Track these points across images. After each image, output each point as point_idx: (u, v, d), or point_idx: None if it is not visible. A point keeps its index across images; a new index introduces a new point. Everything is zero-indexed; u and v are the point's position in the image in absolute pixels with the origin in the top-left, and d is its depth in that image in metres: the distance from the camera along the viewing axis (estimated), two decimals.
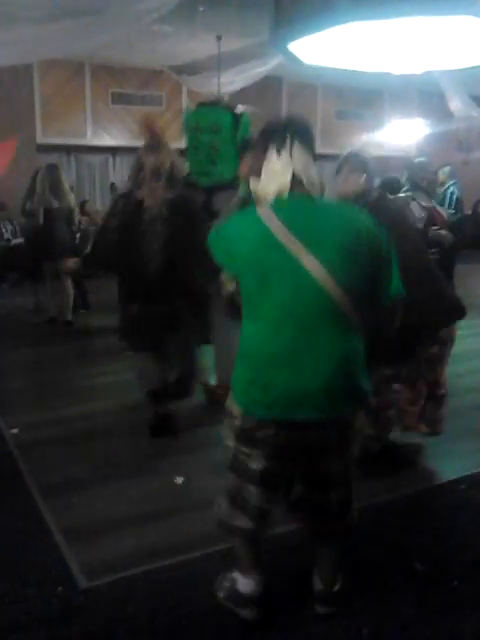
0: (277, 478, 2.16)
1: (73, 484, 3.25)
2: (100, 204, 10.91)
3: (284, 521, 2.46)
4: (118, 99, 10.58)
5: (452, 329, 3.48)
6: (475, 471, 3.47)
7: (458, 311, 3.33)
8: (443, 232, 4.46)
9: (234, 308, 2.17)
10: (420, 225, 4.31)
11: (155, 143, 3.59)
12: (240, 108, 4.11)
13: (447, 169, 8.03)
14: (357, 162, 3.37)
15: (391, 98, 12.65)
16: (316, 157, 2.13)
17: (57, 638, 2.20)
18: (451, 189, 7.77)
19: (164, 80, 10.33)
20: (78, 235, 6.83)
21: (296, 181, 2.03)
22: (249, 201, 2.32)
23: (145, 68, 10.37)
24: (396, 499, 3.16)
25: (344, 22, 3.49)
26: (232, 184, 3.90)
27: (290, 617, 2.32)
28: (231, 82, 8.93)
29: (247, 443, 2.09)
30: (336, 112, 12.53)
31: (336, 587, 2.33)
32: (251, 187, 2.12)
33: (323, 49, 3.91)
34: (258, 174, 2.07)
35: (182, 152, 4.15)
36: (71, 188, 8.40)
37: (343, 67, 4.31)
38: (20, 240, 8.36)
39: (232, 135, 3.97)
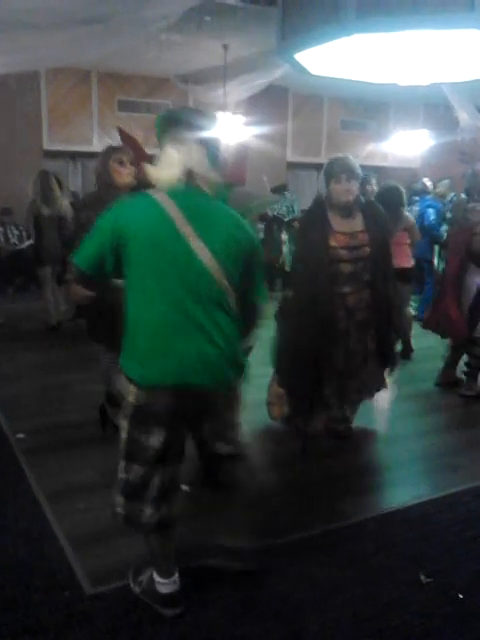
0: (175, 449, 2.26)
1: (79, 489, 3.26)
2: None
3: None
4: (124, 107, 10.64)
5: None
6: None
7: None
8: None
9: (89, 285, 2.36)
10: None
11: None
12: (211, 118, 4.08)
13: (446, 182, 8.06)
14: (353, 170, 3.65)
15: (396, 109, 12.69)
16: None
17: None
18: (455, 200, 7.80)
19: (170, 88, 10.39)
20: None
21: (190, 174, 2.23)
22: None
23: (151, 76, 10.44)
24: (402, 510, 3.17)
25: (350, 34, 3.52)
26: None
27: (290, 627, 2.32)
28: (237, 92, 8.98)
29: (144, 420, 2.20)
30: (342, 122, 12.56)
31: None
32: (148, 172, 2.29)
33: (330, 60, 3.94)
34: (157, 162, 2.27)
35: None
36: (75, 194, 8.46)
37: (350, 78, 4.34)
38: (26, 243, 8.43)
39: None
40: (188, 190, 2.24)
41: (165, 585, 2.37)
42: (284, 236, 8.68)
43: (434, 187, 8.34)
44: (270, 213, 9.30)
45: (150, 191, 2.25)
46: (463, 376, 4.89)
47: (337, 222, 3.69)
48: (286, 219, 10.02)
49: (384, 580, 2.60)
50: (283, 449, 3.89)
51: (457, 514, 3.15)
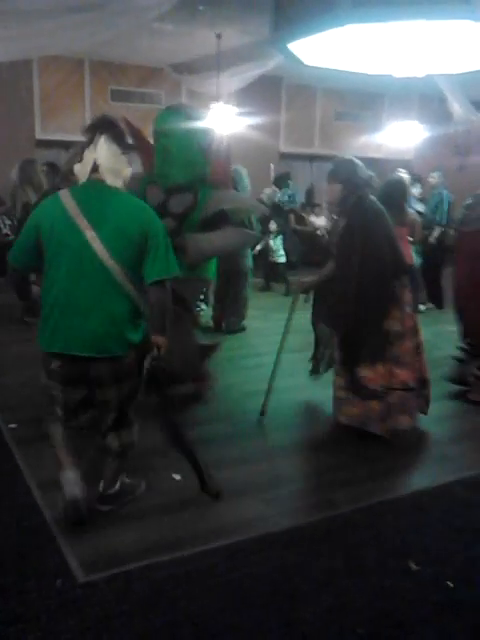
0: (70, 403, 2.81)
1: None
2: None
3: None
4: (117, 96, 10.55)
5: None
6: (473, 473, 3.50)
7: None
8: None
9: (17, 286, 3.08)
10: None
11: None
12: (200, 116, 4.08)
13: (437, 173, 7.99)
14: (335, 174, 3.83)
15: (391, 101, 12.67)
16: (126, 149, 2.74)
17: (55, 632, 2.21)
18: (445, 193, 7.79)
19: (163, 78, 10.32)
20: None
21: (96, 169, 2.64)
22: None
23: (145, 65, 10.37)
24: (393, 500, 3.20)
25: (344, 24, 3.51)
26: (187, 187, 3.90)
27: (283, 616, 2.34)
28: (230, 82, 8.93)
29: (48, 376, 2.79)
30: (335, 113, 12.53)
31: (113, 490, 2.94)
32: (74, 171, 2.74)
33: (324, 50, 3.93)
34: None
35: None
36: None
37: (344, 69, 4.33)
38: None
39: (187, 141, 3.90)
40: (89, 184, 2.68)
41: (68, 481, 2.82)
42: (272, 226, 8.44)
43: (418, 180, 8.18)
44: (266, 200, 9.17)
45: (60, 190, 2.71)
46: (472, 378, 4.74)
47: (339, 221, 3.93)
48: (286, 208, 9.94)
49: (375, 569, 2.62)
50: (277, 439, 3.91)
51: (447, 504, 3.17)
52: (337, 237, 3.85)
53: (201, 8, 6.80)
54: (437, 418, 4.21)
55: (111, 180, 2.68)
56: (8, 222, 8.75)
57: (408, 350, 3.84)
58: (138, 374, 2.81)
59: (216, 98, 8.78)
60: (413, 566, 2.62)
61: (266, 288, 8.66)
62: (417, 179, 8.11)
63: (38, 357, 2.84)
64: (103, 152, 2.66)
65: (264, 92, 10.52)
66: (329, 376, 4.22)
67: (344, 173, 3.78)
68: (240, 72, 8.70)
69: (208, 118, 4.33)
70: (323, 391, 4.24)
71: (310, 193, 12.36)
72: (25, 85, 9.74)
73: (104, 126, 2.71)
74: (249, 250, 4.40)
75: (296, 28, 3.81)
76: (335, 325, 3.92)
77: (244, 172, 6.46)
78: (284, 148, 12.19)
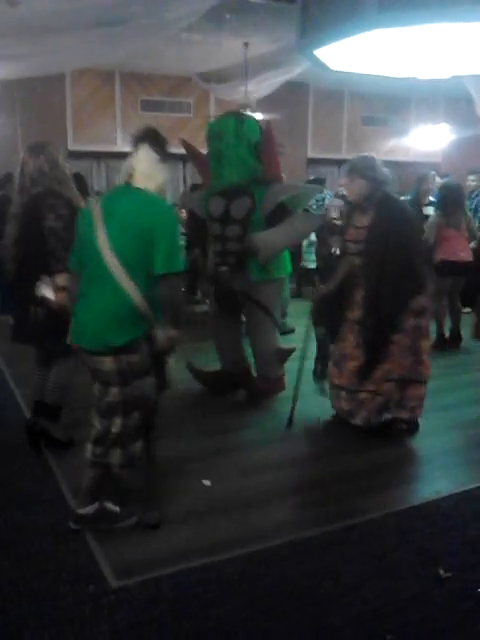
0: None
1: None
2: None
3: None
4: (147, 106, 10.69)
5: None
6: None
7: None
8: None
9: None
10: None
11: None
12: (247, 114, 4.25)
13: (474, 176, 7.96)
14: (357, 170, 3.81)
15: (417, 104, 12.58)
16: (165, 158, 2.81)
17: (88, 637, 2.24)
18: None
19: (192, 87, 10.41)
20: None
21: (131, 176, 2.74)
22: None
23: (173, 75, 10.48)
24: (423, 505, 3.17)
25: (371, 29, 3.50)
26: (243, 190, 4.04)
27: (313, 622, 2.34)
28: (258, 89, 8.98)
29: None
30: (362, 118, 12.48)
31: (85, 511, 2.83)
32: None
33: (350, 55, 3.93)
34: None
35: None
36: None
37: (370, 73, 4.32)
38: None
39: (236, 140, 4.09)
40: (118, 188, 2.82)
41: None
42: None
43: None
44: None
45: None
46: None
47: (356, 217, 3.91)
48: (315, 214, 9.88)
49: (405, 575, 2.60)
50: (304, 445, 3.91)
51: (476, 510, 3.13)
52: (365, 233, 3.79)
53: (228, 17, 6.86)
54: (463, 423, 4.17)
55: (143, 183, 2.73)
56: None
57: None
58: (150, 375, 2.78)
59: (244, 106, 8.83)
60: (443, 573, 2.59)
61: (297, 294, 8.65)
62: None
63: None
64: (142, 158, 2.75)
65: (291, 98, 10.54)
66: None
67: (367, 169, 3.78)
68: (267, 79, 8.75)
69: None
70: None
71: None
72: (58, 98, 9.93)
73: (146, 135, 2.80)
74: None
75: (322, 34, 3.81)
76: (364, 320, 3.85)
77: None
78: (312, 154, 12.18)
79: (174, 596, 2.45)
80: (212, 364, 4.79)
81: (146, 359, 2.74)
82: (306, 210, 9.36)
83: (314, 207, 10.08)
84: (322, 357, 4.24)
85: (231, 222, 4.09)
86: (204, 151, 4.48)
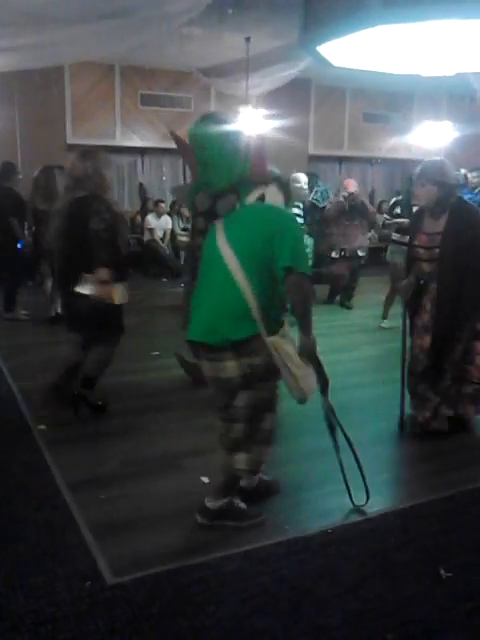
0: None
1: (101, 481, 3.29)
2: (128, 205, 11.04)
3: None
4: (147, 101, 10.65)
5: None
6: None
7: None
8: None
9: None
10: None
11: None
12: (230, 120, 4.20)
13: (476, 173, 7.93)
14: (428, 176, 3.76)
15: (420, 101, 12.55)
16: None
17: (84, 633, 2.23)
18: None
19: (193, 82, 10.37)
20: None
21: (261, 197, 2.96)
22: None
23: (174, 70, 10.44)
24: (423, 504, 3.15)
25: (375, 25, 3.48)
26: (231, 191, 4.00)
27: (311, 621, 2.32)
28: (259, 84, 8.94)
29: None
30: (364, 115, 12.45)
31: (210, 504, 2.87)
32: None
33: (353, 51, 3.90)
34: None
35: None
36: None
37: (373, 69, 4.29)
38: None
39: (221, 148, 3.98)
40: (245, 207, 2.99)
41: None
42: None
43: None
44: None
45: None
46: None
47: (426, 222, 3.89)
48: (320, 205, 9.82)
49: (405, 575, 2.59)
50: (307, 443, 3.89)
51: (478, 509, 3.12)
52: (437, 239, 3.76)
53: (230, 12, 6.82)
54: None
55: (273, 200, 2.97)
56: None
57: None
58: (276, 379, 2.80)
59: (245, 101, 8.79)
60: (443, 573, 2.58)
61: None
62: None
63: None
64: (270, 196, 2.98)
65: (293, 94, 10.50)
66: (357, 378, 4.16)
67: (437, 174, 3.74)
68: (269, 74, 8.71)
69: (238, 121, 4.42)
70: (358, 393, 4.20)
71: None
72: (57, 91, 9.87)
73: (274, 178, 3.07)
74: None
75: (325, 30, 3.78)
76: (436, 327, 3.83)
77: (303, 179, 6.57)
78: (313, 150, 12.15)
79: (171, 593, 2.44)
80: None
81: (270, 363, 2.72)
82: (313, 203, 9.36)
83: (319, 198, 10.00)
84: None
85: (215, 218, 4.01)
86: None
